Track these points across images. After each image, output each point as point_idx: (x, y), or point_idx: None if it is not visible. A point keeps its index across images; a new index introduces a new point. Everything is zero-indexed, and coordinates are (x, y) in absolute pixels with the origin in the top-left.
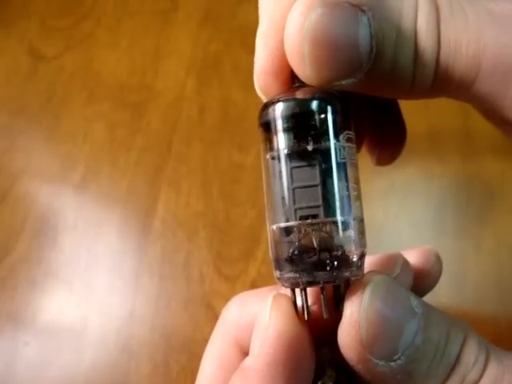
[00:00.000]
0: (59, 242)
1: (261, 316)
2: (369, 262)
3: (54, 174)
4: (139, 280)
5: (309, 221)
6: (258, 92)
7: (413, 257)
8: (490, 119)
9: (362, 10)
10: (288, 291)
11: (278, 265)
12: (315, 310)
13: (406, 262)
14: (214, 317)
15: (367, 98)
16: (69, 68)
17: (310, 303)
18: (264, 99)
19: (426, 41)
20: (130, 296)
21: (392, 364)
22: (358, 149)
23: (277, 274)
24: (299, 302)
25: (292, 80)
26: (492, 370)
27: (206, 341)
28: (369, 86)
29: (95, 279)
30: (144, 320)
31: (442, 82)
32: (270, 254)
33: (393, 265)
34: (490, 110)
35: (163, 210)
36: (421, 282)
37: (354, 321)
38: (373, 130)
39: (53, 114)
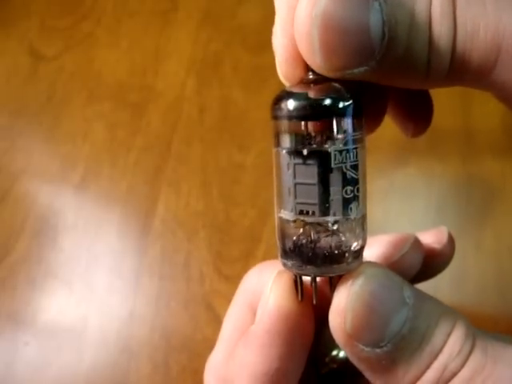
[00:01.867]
0: (59, 242)
1: (265, 288)
2: (381, 240)
3: (54, 174)
4: (139, 280)
5: (306, 217)
6: (282, 79)
7: (426, 237)
8: None
9: None
10: None
11: (280, 250)
12: (321, 292)
13: (416, 242)
14: (214, 317)
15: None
16: (69, 68)
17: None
18: (287, 85)
19: (441, 25)
20: (130, 296)
21: (378, 350)
22: (377, 123)
23: (280, 260)
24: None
25: (307, 68)
26: (474, 359)
27: (206, 341)
28: (382, 75)
29: (95, 279)
30: (144, 320)
31: (459, 68)
32: (277, 240)
33: (403, 243)
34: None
35: (163, 210)
36: (433, 260)
37: (341, 310)
38: (401, 108)
39: (53, 114)
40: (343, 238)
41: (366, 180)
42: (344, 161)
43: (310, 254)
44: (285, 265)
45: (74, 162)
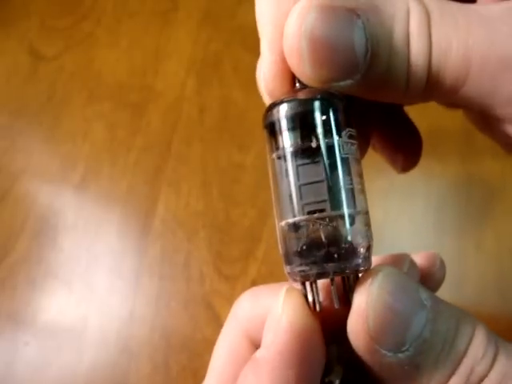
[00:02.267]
0: (59, 242)
1: (273, 308)
2: (375, 263)
3: (54, 174)
4: (139, 280)
5: (316, 215)
6: (264, 95)
7: (418, 259)
8: (482, 126)
9: (357, 15)
10: (298, 286)
11: (288, 259)
12: (325, 305)
13: (412, 262)
14: (213, 317)
15: (375, 109)
16: (69, 68)
17: (320, 298)
18: (268, 102)
19: (418, 42)
20: (130, 296)
21: (400, 355)
22: (362, 153)
23: (287, 268)
24: (310, 297)
25: (294, 82)
26: (501, 364)
27: (206, 341)
28: (365, 89)
29: (95, 279)
30: (144, 320)
31: (434, 82)
32: (280, 250)
33: (401, 263)
34: (481, 112)
35: (163, 210)
36: (425, 285)
37: (362, 311)
38: (388, 141)
39: (53, 114)
40: (355, 232)
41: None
42: (348, 152)
43: (324, 253)
44: (295, 273)
45: (74, 161)
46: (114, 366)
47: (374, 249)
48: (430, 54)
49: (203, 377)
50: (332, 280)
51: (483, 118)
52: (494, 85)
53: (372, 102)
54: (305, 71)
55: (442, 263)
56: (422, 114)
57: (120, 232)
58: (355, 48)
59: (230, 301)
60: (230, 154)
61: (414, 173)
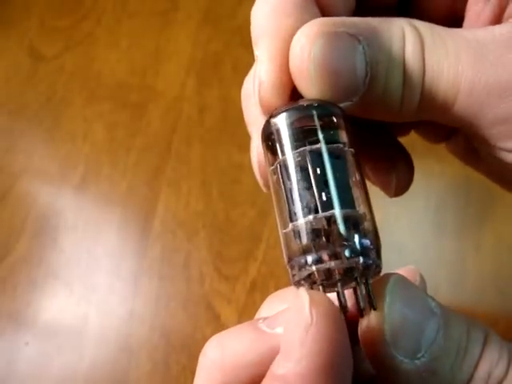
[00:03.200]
0: (59, 243)
1: (295, 314)
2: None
3: (54, 174)
4: (139, 280)
5: (321, 216)
6: (260, 108)
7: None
8: (467, 158)
9: (359, 40)
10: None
11: (294, 266)
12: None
13: (421, 275)
14: (213, 317)
15: (365, 136)
16: (69, 68)
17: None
18: (263, 116)
19: (412, 66)
20: (130, 296)
21: (417, 362)
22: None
23: (294, 277)
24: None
25: (292, 94)
26: None
27: (205, 341)
28: (363, 109)
29: (95, 279)
30: (144, 320)
31: (427, 102)
32: (285, 258)
33: (413, 276)
34: (469, 132)
35: (163, 211)
36: None
37: (378, 317)
38: (380, 166)
39: (53, 114)
40: (361, 234)
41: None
42: (347, 156)
43: (331, 255)
44: (302, 279)
45: (74, 162)
46: (114, 366)
47: None
48: (423, 76)
49: None
50: (357, 285)
51: (469, 146)
52: (480, 108)
53: (362, 128)
54: (311, 90)
55: (422, 278)
56: None
57: (120, 232)
58: (357, 72)
59: (230, 301)
60: (230, 154)
61: (414, 173)
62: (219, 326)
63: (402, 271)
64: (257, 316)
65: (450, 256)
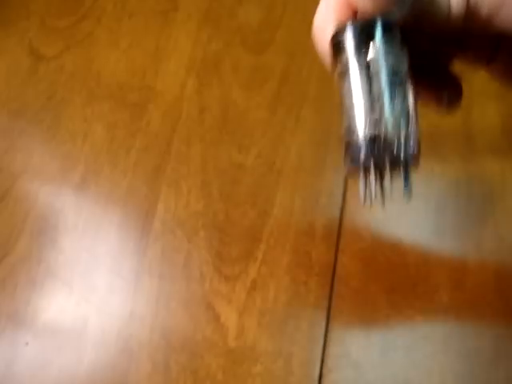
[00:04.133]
0: (59, 242)
1: None
2: None
3: (54, 174)
4: (139, 280)
5: (376, 118)
6: (316, 30)
7: None
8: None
9: None
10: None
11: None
12: None
13: None
14: (213, 317)
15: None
16: (69, 68)
17: None
18: (326, 30)
19: None
20: (130, 296)
21: None
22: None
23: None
24: None
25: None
26: None
27: (206, 341)
28: (414, 18)
29: (95, 279)
30: (144, 320)
31: (472, 12)
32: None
33: None
34: None
35: (163, 210)
36: None
37: None
38: (431, 81)
39: (53, 114)
40: (409, 130)
41: None
42: (401, 68)
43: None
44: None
45: (74, 162)
46: (114, 366)
47: (374, 249)
48: None
49: (203, 377)
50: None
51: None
52: None
53: (414, 53)
54: (366, 3)
55: None
56: (422, 114)
57: (120, 232)
58: None
59: (230, 301)
60: (230, 154)
61: (414, 173)
62: (219, 325)
63: None
64: None
65: (450, 256)
